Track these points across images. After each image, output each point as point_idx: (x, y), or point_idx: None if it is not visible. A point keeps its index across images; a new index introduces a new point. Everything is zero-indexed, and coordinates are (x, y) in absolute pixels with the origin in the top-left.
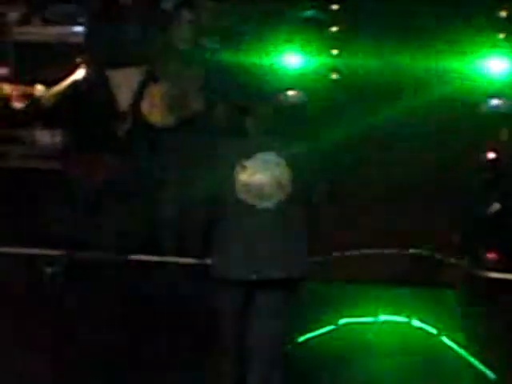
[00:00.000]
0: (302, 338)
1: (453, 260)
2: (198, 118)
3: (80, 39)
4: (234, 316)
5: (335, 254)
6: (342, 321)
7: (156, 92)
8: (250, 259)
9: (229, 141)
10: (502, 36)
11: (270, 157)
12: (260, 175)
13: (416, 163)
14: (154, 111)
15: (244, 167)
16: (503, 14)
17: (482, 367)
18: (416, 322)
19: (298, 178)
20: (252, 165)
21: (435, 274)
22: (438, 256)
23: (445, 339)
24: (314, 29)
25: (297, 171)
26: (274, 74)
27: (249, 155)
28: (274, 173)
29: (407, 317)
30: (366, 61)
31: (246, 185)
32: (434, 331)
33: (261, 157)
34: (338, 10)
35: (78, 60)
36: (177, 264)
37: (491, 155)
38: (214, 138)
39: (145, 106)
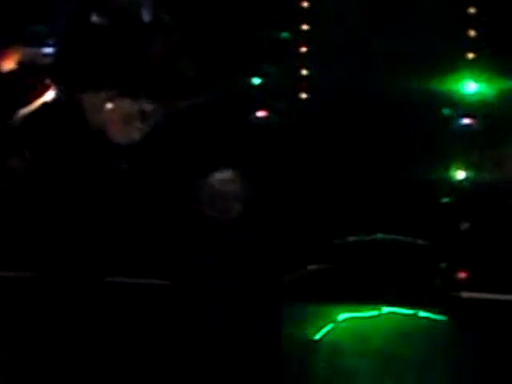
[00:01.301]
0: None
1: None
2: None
3: (50, 60)
4: None
5: None
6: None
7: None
8: None
9: None
10: (470, 56)
11: None
12: None
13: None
14: (116, 129)
15: None
16: (472, 33)
17: None
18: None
19: None
20: None
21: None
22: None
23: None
24: (282, 49)
25: None
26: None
27: None
28: None
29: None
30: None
31: None
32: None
33: None
34: (308, 31)
35: (48, 82)
36: None
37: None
38: None
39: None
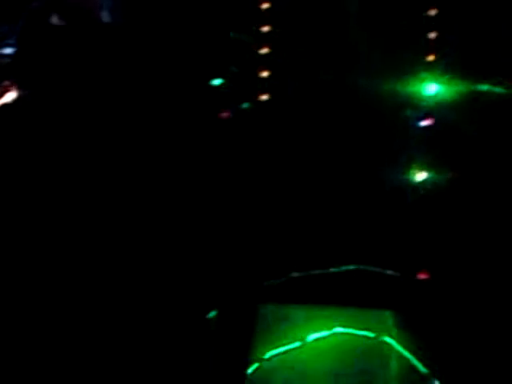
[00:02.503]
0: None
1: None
2: None
3: (9, 61)
4: None
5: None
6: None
7: None
8: None
9: None
10: (431, 58)
11: None
12: None
13: None
14: None
15: None
16: (432, 35)
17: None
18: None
19: None
20: None
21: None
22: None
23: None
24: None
25: None
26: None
27: None
28: None
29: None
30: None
31: None
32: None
33: None
34: (268, 32)
35: (7, 83)
36: None
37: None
38: None
39: None
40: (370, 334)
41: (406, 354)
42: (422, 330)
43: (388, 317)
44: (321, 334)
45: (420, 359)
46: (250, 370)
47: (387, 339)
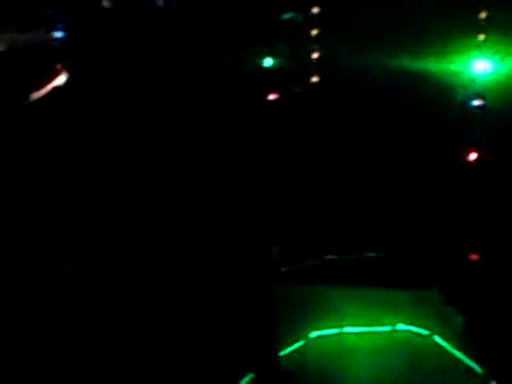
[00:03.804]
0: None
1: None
2: None
3: (60, 44)
4: None
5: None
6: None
7: None
8: None
9: None
10: (481, 38)
11: None
12: None
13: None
14: None
15: None
16: (483, 15)
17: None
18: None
19: None
20: None
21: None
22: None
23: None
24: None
25: None
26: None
27: None
28: None
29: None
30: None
31: None
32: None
33: None
34: (318, 14)
35: (59, 66)
36: None
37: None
38: None
39: None
40: (424, 332)
41: (459, 354)
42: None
43: (435, 298)
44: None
45: (473, 358)
46: (289, 349)
47: (438, 339)
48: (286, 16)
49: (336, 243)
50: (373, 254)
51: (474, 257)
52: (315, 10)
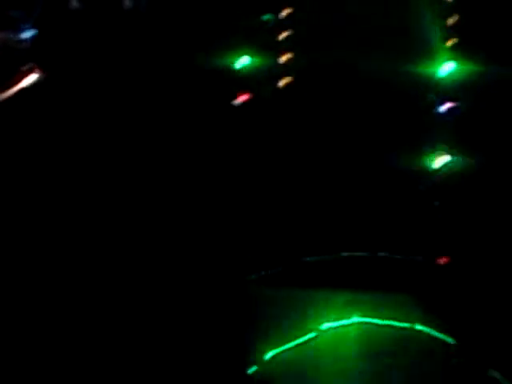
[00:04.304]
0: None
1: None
2: None
3: (27, 45)
4: None
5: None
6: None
7: None
8: None
9: None
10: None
11: None
12: None
13: None
14: None
15: None
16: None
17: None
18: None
19: None
20: None
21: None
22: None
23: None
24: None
25: None
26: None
27: None
28: None
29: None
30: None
31: None
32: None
33: None
34: (291, 14)
35: (26, 67)
36: None
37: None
38: None
39: None
40: (404, 324)
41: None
42: (446, 314)
43: (408, 302)
44: (342, 322)
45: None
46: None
47: (419, 327)
48: (265, 17)
49: (312, 245)
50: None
51: (444, 260)
52: (286, 11)
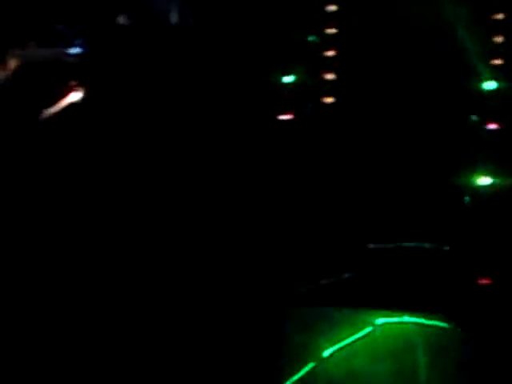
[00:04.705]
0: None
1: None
2: None
3: (76, 60)
4: None
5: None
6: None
7: None
8: None
9: None
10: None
11: None
12: None
13: None
14: None
15: None
16: (499, 39)
17: None
18: None
19: None
20: None
21: None
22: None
23: None
24: (310, 52)
25: None
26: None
27: None
28: None
29: None
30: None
31: None
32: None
33: None
34: (334, 34)
35: (73, 83)
36: None
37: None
38: None
39: None
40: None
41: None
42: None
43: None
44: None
45: None
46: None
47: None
48: (311, 38)
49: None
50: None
51: (485, 281)
52: (331, 30)
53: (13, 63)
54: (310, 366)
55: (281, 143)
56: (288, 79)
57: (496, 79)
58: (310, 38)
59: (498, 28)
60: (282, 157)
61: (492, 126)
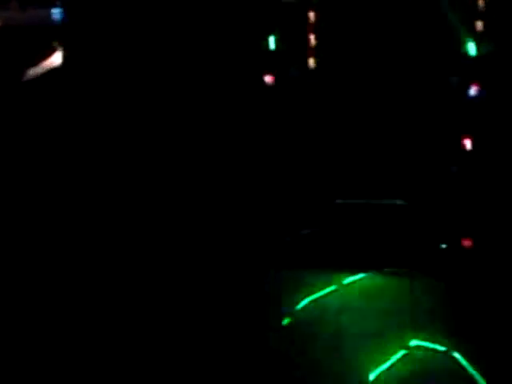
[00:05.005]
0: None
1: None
2: None
3: (57, 23)
4: None
5: None
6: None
7: None
8: None
9: None
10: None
11: None
12: None
13: None
14: None
15: None
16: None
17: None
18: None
19: None
20: None
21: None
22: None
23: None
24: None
25: None
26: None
27: None
28: None
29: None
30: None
31: None
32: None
33: None
34: None
35: (56, 44)
36: None
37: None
38: None
39: None
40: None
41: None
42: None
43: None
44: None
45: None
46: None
47: (457, 355)
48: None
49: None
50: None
51: (468, 243)
52: None
53: None
54: (287, 320)
55: (265, 105)
56: (271, 42)
57: (477, 42)
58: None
59: None
60: (265, 117)
61: (474, 89)
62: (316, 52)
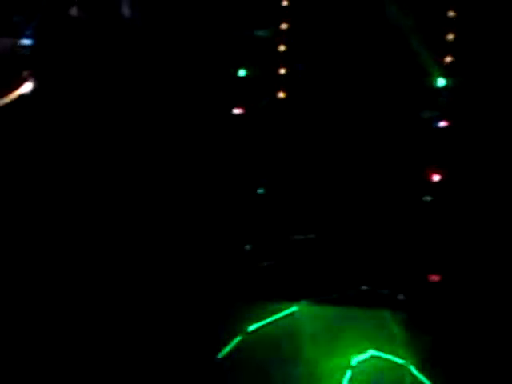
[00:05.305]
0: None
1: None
2: None
3: (27, 51)
4: None
5: None
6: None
7: None
8: None
9: None
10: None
11: None
12: None
13: None
14: None
15: None
16: (450, 36)
17: None
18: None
19: None
20: None
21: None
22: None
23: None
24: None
25: None
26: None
27: None
28: None
29: None
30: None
31: None
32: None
33: None
34: (287, 30)
35: (25, 73)
36: None
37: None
38: None
39: None
40: (399, 361)
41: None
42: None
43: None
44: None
45: None
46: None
47: (413, 369)
48: (260, 33)
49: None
50: None
51: (436, 278)
52: (284, 26)
53: None
54: (238, 339)
55: (234, 137)
56: (241, 73)
57: (447, 76)
58: (262, 33)
59: (450, 25)
60: (234, 149)
61: (443, 123)
62: (286, 84)
